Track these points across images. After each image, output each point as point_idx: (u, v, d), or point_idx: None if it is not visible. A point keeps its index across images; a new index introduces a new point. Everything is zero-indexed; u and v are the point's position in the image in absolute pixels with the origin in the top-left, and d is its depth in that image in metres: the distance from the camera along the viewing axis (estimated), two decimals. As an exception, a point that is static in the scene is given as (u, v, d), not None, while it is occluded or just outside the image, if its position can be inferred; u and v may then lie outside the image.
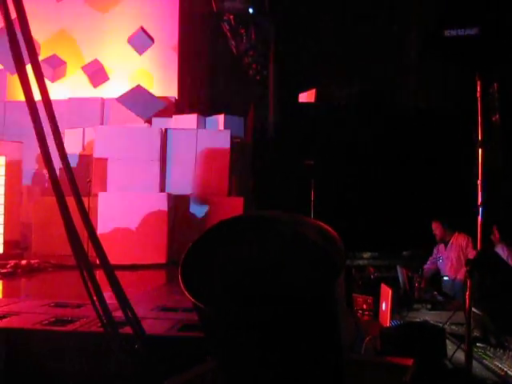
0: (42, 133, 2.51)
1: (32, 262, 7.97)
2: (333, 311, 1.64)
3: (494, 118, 3.57)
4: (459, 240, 6.63)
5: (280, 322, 1.52)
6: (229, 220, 1.91)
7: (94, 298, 2.76)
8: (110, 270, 2.80)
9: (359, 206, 10.11)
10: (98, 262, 2.85)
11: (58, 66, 13.86)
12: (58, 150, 2.63)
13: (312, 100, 11.67)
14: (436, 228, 6.86)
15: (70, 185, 2.69)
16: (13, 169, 9.32)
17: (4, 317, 3.71)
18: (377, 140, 10.21)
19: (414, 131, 9.87)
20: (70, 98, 13.69)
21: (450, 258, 6.73)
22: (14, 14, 2.33)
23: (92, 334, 3.24)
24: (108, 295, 2.78)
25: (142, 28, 13.61)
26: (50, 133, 2.55)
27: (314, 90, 11.63)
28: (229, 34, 11.37)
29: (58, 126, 2.59)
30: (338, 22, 10.11)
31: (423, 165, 9.74)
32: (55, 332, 3.35)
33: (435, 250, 7.03)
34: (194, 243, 1.85)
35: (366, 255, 8.60)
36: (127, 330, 2.95)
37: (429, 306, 5.30)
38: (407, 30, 9.91)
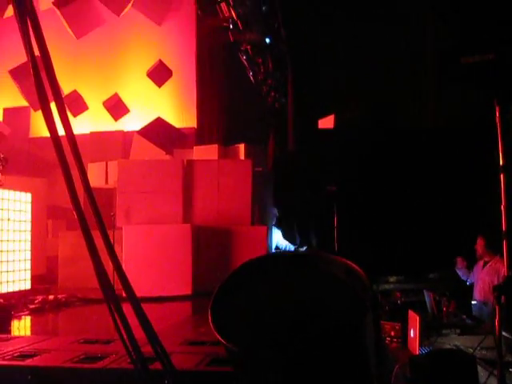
0: (67, 168, 2.55)
1: (59, 296, 8.04)
2: (362, 349, 1.65)
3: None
4: (498, 265, 6.31)
5: (307, 361, 1.54)
6: (256, 259, 1.94)
7: (123, 334, 2.77)
8: (137, 304, 2.82)
9: (384, 230, 10.05)
10: (124, 295, 2.86)
11: (74, 100, 14.15)
12: (83, 185, 2.67)
13: (331, 126, 11.72)
14: (478, 244, 6.60)
15: (96, 218, 2.72)
16: (38, 204, 9.46)
17: (34, 355, 3.75)
18: (399, 162, 10.18)
19: (437, 152, 9.83)
20: (91, 132, 13.94)
21: (483, 281, 6.48)
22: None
23: (122, 370, 3.26)
24: (136, 329, 2.78)
25: (161, 61, 13.85)
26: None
27: (332, 116, 11.68)
28: (246, 64, 11.51)
29: (82, 161, 2.64)
30: (355, 47, 10.18)
31: (448, 185, 9.68)
32: (85, 370, 3.37)
33: (475, 268, 6.78)
34: (222, 283, 1.88)
35: (392, 279, 8.51)
36: (157, 365, 2.95)
37: (458, 331, 5.23)
38: (424, 53, 9.94)
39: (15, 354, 3.78)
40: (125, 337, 2.76)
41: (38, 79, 2.45)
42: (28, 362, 3.58)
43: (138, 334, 2.77)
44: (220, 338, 1.62)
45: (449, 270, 7.92)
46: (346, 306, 1.64)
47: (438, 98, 10.23)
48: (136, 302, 2.85)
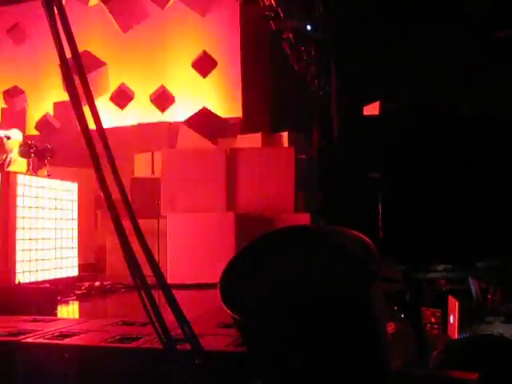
0: (97, 159, 2.64)
1: (105, 283, 8.26)
2: (369, 317, 1.63)
3: None
4: None
5: (315, 331, 1.53)
6: (270, 233, 1.94)
7: (152, 317, 2.85)
8: (167, 289, 2.88)
9: (431, 218, 9.87)
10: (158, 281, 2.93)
11: (120, 92, 14.45)
12: (114, 176, 2.75)
13: (376, 112, 11.55)
14: None
15: (125, 207, 2.79)
16: (86, 195, 9.71)
17: (73, 335, 3.88)
18: (447, 149, 9.97)
19: (486, 139, 9.58)
20: (139, 124, 14.19)
21: None
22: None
23: (154, 350, 3.33)
24: (169, 313, 2.86)
25: (205, 51, 13.95)
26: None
27: (377, 103, 11.52)
28: (289, 52, 11.46)
29: (111, 153, 2.71)
30: (398, 31, 9.99)
31: (498, 172, 9.42)
32: (119, 349, 3.46)
33: None
34: (234, 258, 1.89)
35: (440, 268, 8.39)
36: (187, 346, 3.01)
37: (502, 319, 5.12)
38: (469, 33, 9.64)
39: (55, 334, 3.92)
40: (154, 320, 2.85)
41: (67, 68, 2.51)
42: (66, 341, 3.71)
43: (171, 317, 2.85)
44: (226, 308, 1.63)
45: (498, 259, 7.74)
46: (354, 276, 1.63)
47: (486, 83, 9.93)
48: (166, 287, 2.91)
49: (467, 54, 9.50)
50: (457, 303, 4.44)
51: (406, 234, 9.78)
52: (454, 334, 4.36)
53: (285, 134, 11.84)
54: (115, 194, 2.74)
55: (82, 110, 2.60)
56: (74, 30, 2.49)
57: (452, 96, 10.16)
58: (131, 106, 14.81)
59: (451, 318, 4.59)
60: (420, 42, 9.68)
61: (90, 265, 10.44)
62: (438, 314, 4.89)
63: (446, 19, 9.47)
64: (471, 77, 9.74)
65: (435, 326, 4.88)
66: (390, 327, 3.96)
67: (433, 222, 9.71)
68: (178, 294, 2.89)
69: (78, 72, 2.60)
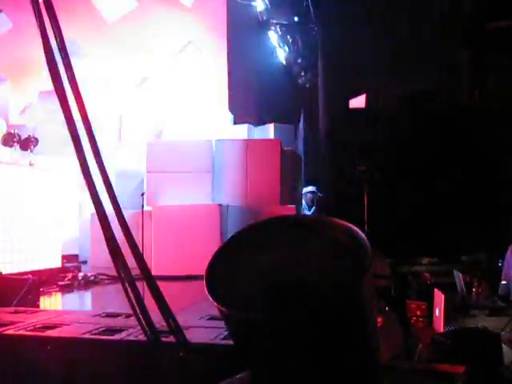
0: (81, 149, 2.59)
1: (88, 274, 8.19)
2: (360, 311, 1.60)
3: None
4: None
5: (304, 326, 1.50)
6: (256, 224, 1.90)
7: (137, 309, 2.82)
8: (152, 281, 2.84)
9: (417, 211, 9.89)
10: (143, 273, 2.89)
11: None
12: (98, 166, 2.71)
13: (363, 105, 11.54)
14: None
15: (110, 199, 2.75)
16: (70, 184, 9.59)
17: (56, 327, 3.81)
18: (432, 141, 9.99)
19: (473, 131, 9.61)
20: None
21: None
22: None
23: (137, 342, 3.27)
24: (154, 306, 2.82)
25: (191, 42, 13.85)
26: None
27: (364, 96, 11.51)
28: (276, 44, 11.43)
29: (96, 143, 2.67)
30: (387, 24, 9.97)
31: (484, 165, 9.47)
32: (102, 341, 3.41)
33: (509, 251, 6.69)
34: (220, 248, 1.85)
35: (425, 261, 8.42)
36: (172, 339, 2.98)
37: (487, 312, 5.15)
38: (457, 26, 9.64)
39: (37, 326, 3.84)
40: (138, 312, 2.81)
41: (51, 57, 2.45)
42: (48, 333, 3.64)
43: (156, 310, 2.81)
44: (213, 300, 1.59)
45: (483, 253, 7.79)
46: (344, 269, 1.59)
47: (476, 75, 9.94)
48: (151, 279, 2.86)
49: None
50: (442, 296, 4.43)
51: (392, 227, 9.81)
52: (440, 327, 4.36)
53: (271, 126, 11.81)
54: (99, 185, 2.68)
55: (66, 99, 2.55)
56: (58, 18, 2.43)
57: (445, 88, 10.14)
58: (116, 95, 14.66)
59: (437, 311, 4.58)
60: (409, 36, 9.67)
61: (74, 256, 10.34)
62: (424, 307, 4.88)
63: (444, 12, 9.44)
64: (468, 71, 9.73)
65: (420, 319, 4.87)
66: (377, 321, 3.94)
67: (418, 215, 9.74)
68: (163, 286, 2.85)
69: (63, 61, 2.55)
